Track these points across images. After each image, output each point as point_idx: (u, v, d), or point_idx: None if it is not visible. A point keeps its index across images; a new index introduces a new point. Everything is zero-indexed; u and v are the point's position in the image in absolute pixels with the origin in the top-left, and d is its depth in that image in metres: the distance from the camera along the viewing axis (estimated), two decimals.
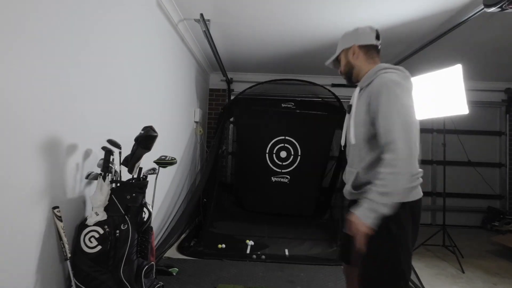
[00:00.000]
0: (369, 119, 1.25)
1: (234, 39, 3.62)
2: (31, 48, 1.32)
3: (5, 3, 1.19)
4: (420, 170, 1.29)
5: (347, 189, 1.38)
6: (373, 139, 1.26)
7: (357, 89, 1.40)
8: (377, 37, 1.38)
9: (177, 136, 3.51)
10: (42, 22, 1.38)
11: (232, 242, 3.29)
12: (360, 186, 1.30)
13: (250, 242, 3.20)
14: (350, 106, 1.41)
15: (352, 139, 1.33)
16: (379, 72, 1.28)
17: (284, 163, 4.34)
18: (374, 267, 1.22)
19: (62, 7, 1.49)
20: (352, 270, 1.40)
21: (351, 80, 1.46)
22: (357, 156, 1.33)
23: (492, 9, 2.28)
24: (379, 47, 1.39)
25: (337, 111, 4.38)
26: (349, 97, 1.58)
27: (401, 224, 1.22)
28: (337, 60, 1.49)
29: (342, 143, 1.47)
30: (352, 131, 1.33)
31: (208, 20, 3.02)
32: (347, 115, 1.46)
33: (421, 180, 1.31)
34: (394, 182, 1.12)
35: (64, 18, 1.51)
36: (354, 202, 1.33)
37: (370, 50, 1.38)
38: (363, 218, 1.15)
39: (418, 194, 1.30)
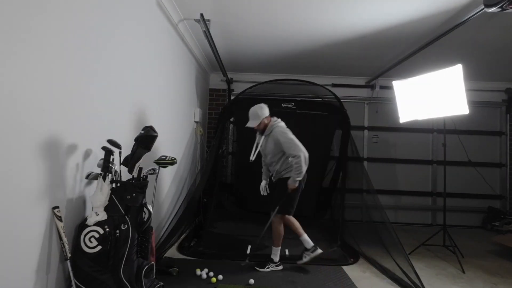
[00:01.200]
0: (279, 149, 2.73)
1: (234, 39, 3.62)
2: (31, 48, 1.32)
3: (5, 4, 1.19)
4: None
5: (274, 176, 2.86)
6: (280, 155, 2.75)
7: (263, 136, 2.84)
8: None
9: (177, 136, 3.51)
10: (42, 21, 1.38)
11: (232, 242, 3.28)
12: (279, 172, 2.78)
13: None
14: (257, 143, 2.90)
15: (269, 159, 2.85)
16: (272, 127, 2.77)
17: None
18: (285, 201, 2.72)
19: (62, 7, 1.49)
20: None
21: (263, 131, 2.84)
22: (275, 162, 2.80)
23: (492, 9, 2.28)
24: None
25: (337, 111, 4.37)
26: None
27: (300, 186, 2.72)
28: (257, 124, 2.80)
29: (252, 158, 2.86)
30: (269, 154, 2.82)
31: (208, 20, 3.02)
32: (257, 137, 2.92)
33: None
34: (300, 169, 2.58)
35: (64, 17, 1.51)
36: (279, 179, 2.79)
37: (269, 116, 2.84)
38: (293, 183, 2.63)
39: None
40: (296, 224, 2.80)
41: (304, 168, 2.60)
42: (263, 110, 2.79)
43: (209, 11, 2.90)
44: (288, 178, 2.67)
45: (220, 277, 2.44)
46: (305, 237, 2.78)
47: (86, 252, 1.61)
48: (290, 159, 2.67)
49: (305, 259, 2.75)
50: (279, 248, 2.78)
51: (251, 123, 2.78)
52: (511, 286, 2.60)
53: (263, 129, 2.82)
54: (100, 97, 1.85)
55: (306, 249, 2.77)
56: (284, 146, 2.67)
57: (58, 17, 1.47)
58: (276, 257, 2.76)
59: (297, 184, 2.65)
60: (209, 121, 5.11)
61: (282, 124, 2.83)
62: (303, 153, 2.58)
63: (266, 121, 2.79)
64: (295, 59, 4.26)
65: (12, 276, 1.29)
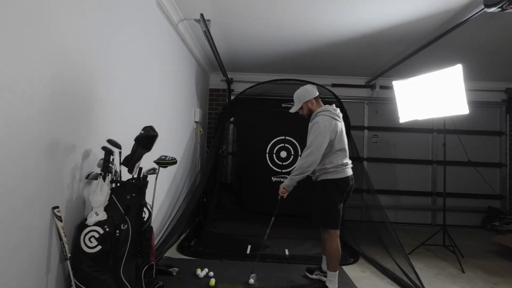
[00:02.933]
0: None
1: (234, 39, 3.62)
2: (31, 48, 1.32)
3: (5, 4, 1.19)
4: (346, 163, 2.24)
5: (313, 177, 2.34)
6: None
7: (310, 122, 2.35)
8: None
9: (177, 136, 3.51)
10: (42, 21, 1.38)
11: (232, 242, 3.29)
12: (314, 173, 2.29)
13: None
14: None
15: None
16: (317, 114, 2.26)
17: (284, 163, 4.33)
18: (316, 209, 2.27)
19: (62, 7, 1.49)
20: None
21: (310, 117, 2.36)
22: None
23: (492, 9, 2.28)
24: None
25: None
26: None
27: (327, 188, 2.21)
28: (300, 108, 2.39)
29: None
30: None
31: (208, 20, 3.02)
32: None
33: (346, 167, 2.23)
34: (301, 168, 2.18)
35: (64, 17, 1.51)
36: (315, 183, 2.31)
37: (318, 98, 2.38)
38: (285, 184, 2.28)
39: (342, 175, 2.20)
40: (337, 253, 2.22)
41: (307, 169, 2.15)
42: (307, 91, 2.33)
43: (209, 11, 2.90)
44: (325, 180, 2.20)
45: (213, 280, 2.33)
46: (335, 275, 2.23)
47: (86, 252, 1.61)
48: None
49: (314, 276, 2.51)
50: (336, 273, 2.22)
51: (292, 108, 2.40)
52: (511, 286, 2.60)
53: (309, 115, 2.35)
54: (100, 97, 1.85)
55: (321, 271, 2.45)
56: (308, 134, 2.23)
57: (58, 17, 1.47)
58: (332, 284, 2.21)
59: (289, 188, 2.25)
60: (209, 121, 5.11)
61: (330, 114, 2.23)
62: (316, 154, 2.12)
63: (310, 105, 2.32)
64: (295, 59, 4.26)
65: (12, 276, 1.29)
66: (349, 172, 2.25)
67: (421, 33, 3.19)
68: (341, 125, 2.28)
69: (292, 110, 2.40)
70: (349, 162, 2.28)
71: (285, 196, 2.33)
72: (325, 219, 2.22)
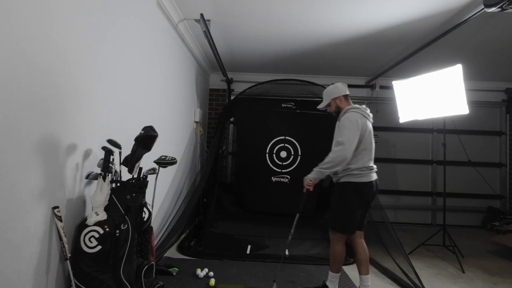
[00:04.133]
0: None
1: (234, 39, 3.62)
2: (31, 48, 1.32)
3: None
4: (371, 166, 2.13)
5: (333, 177, 2.24)
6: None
7: (337, 122, 2.24)
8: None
9: (177, 136, 3.51)
10: (42, 21, 1.38)
11: (232, 242, 3.29)
12: (337, 173, 2.16)
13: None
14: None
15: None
16: (347, 111, 2.16)
17: (284, 163, 4.33)
18: (331, 210, 2.22)
19: (62, 6, 1.49)
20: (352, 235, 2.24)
21: (338, 115, 2.25)
22: None
23: (492, 9, 2.28)
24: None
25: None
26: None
27: (348, 191, 2.10)
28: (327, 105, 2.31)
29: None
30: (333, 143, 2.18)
31: (208, 20, 3.02)
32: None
33: (371, 171, 2.12)
34: (332, 162, 2.05)
35: (63, 17, 1.51)
36: (336, 184, 2.23)
37: (347, 96, 2.29)
38: (313, 176, 2.11)
39: (365, 179, 2.09)
40: (340, 256, 2.19)
41: (339, 164, 2.02)
42: (337, 88, 2.26)
43: (209, 11, 2.90)
44: (346, 183, 2.09)
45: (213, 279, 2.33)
46: (336, 276, 2.22)
47: (86, 252, 1.61)
48: (333, 147, 2.11)
49: None
50: (337, 274, 2.21)
51: (320, 104, 2.33)
52: (511, 286, 2.60)
53: (337, 112, 2.26)
54: (100, 97, 1.85)
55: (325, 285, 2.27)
56: (336, 134, 2.14)
57: (57, 17, 1.47)
58: (332, 285, 2.21)
59: (315, 181, 2.10)
60: (209, 121, 5.11)
61: (361, 111, 2.16)
62: (349, 150, 2.00)
63: (338, 103, 2.23)
64: (295, 59, 4.26)
65: (12, 276, 1.29)
66: (374, 176, 2.14)
67: (421, 33, 3.19)
68: (370, 124, 2.19)
69: (320, 106, 2.33)
70: (375, 166, 2.16)
71: (311, 189, 2.16)
72: (337, 222, 2.14)
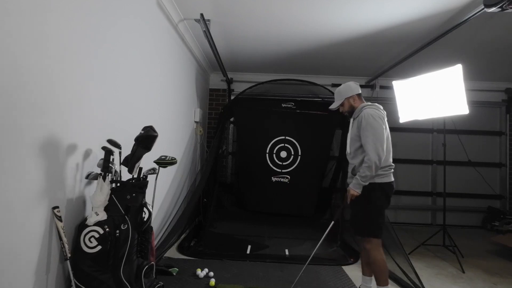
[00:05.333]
0: (358, 137, 2.09)
1: (234, 39, 3.62)
2: (31, 48, 1.32)
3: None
4: (392, 164, 2.12)
5: (349, 174, 2.19)
6: (360, 148, 2.09)
7: (351, 119, 2.22)
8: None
9: (177, 136, 3.51)
10: (42, 21, 1.38)
11: (232, 242, 3.29)
12: (355, 173, 2.13)
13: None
14: (348, 128, 2.26)
15: (348, 149, 2.21)
16: (364, 108, 2.10)
17: (284, 163, 4.33)
18: (360, 214, 2.10)
19: (61, 6, 1.49)
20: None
21: (352, 114, 2.23)
22: (352, 155, 2.17)
23: (492, 9, 2.28)
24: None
25: (337, 111, 4.37)
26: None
27: (374, 193, 2.05)
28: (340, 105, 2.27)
29: (348, 150, 2.22)
30: (349, 143, 2.20)
31: (208, 20, 3.02)
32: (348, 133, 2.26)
33: (391, 171, 2.12)
34: (366, 172, 1.98)
35: (63, 16, 1.51)
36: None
37: (360, 95, 2.24)
38: (354, 188, 2.03)
39: (388, 179, 2.10)
40: (385, 264, 2.03)
41: (371, 172, 1.95)
42: (349, 87, 2.20)
43: (209, 11, 2.90)
44: (372, 184, 2.01)
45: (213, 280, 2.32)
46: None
47: (86, 252, 1.61)
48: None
49: None
50: (387, 287, 2.03)
51: (333, 104, 2.27)
52: (511, 286, 2.60)
53: (350, 111, 2.22)
54: (100, 97, 1.85)
55: None
56: (362, 134, 2.02)
57: (57, 16, 1.47)
58: None
59: (358, 191, 2.00)
60: (209, 121, 5.11)
61: (378, 108, 2.09)
62: (379, 154, 1.94)
63: (352, 102, 2.19)
64: (295, 59, 4.25)
65: (12, 276, 1.29)
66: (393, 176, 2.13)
67: (421, 33, 3.19)
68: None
69: (332, 107, 2.27)
70: (393, 164, 2.12)
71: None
72: (369, 227, 2.03)
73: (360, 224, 2.09)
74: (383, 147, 1.96)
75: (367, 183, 1.99)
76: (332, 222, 2.24)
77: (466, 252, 3.33)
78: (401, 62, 3.83)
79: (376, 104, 2.13)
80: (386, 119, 2.12)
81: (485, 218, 4.81)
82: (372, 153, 1.94)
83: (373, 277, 2.15)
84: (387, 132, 2.08)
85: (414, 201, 4.96)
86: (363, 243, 2.12)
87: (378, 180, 2.04)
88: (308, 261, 2.28)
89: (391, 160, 2.12)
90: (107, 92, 1.93)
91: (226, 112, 4.56)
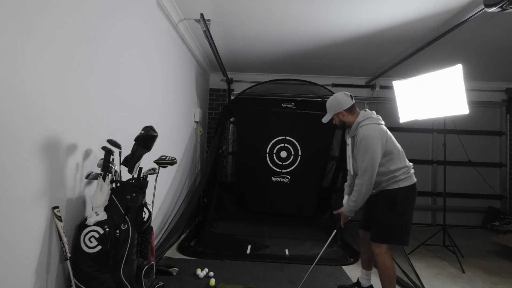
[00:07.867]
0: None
1: (234, 39, 3.62)
2: (30, 48, 1.32)
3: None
4: (408, 165, 2.02)
5: (374, 188, 2.06)
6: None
7: (349, 138, 2.12)
8: (352, 98, 2.10)
9: (177, 136, 3.51)
10: (42, 21, 1.37)
11: (232, 242, 3.28)
12: (380, 183, 2.03)
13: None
14: (347, 145, 2.17)
15: (349, 166, 2.17)
16: (359, 126, 2.00)
17: (284, 163, 4.34)
18: (387, 224, 1.98)
19: (61, 5, 1.49)
20: (367, 234, 2.12)
21: (345, 127, 2.20)
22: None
23: (493, 9, 2.28)
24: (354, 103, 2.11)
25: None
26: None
27: (400, 198, 1.97)
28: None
29: (349, 167, 2.19)
30: (350, 162, 2.14)
31: (208, 20, 3.02)
32: (346, 137, 2.20)
33: (411, 171, 2.03)
34: (357, 196, 1.97)
35: (63, 16, 1.51)
36: (381, 192, 2.04)
37: (352, 108, 2.09)
38: (347, 212, 2.06)
39: (411, 181, 2.00)
40: (394, 271, 1.99)
41: (363, 197, 1.94)
42: (338, 102, 2.06)
43: (209, 11, 2.90)
44: (396, 190, 1.94)
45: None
46: None
47: (86, 252, 1.61)
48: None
49: None
50: None
51: (324, 118, 2.15)
52: (511, 286, 2.60)
53: (342, 126, 2.15)
54: (100, 97, 1.85)
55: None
56: (357, 157, 1.97)
57: (57, 16, 1.47)
58: None
59: (352, 214, 2.03)
60: (209, 121, 5.11)
61: (373, 121, 2.00)
62: (369, 175, 1.89)
63: (342, 117, 2.07)
64: (295, 59, 4.25)
65: (12, 276, 1.29)
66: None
67: (421, 33, 3.19)
68: (386, 127, 2.05)
69: (324, 120, 2.16)
70: (411, 164, 2.04)
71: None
72: (393, 233, 1.94)
73: (382, 230, 1.97)
74: (374, 174, 1.90)
75: (358, 208, 2.01)
76: (335, 231, 2.24)
77: (466, 252, 3.33)
78: (401, 62, 3.83)
79: (373, 116, 2.03)
80: (384, 123, 2.05)
81: (485, 218, 4.81)
82: (367, 176, 1.89)
83: (372, 271, 2.20)
84: (391, 139, 2.00)
85: None
86: (372, 247, 2.02)
87: (402, 184, 1.95)
88: (314, 264, 2.28)
89: (407, 161, 2.02)
90: (107, 92, 1.93)
91: (226, 112, 4.57)
